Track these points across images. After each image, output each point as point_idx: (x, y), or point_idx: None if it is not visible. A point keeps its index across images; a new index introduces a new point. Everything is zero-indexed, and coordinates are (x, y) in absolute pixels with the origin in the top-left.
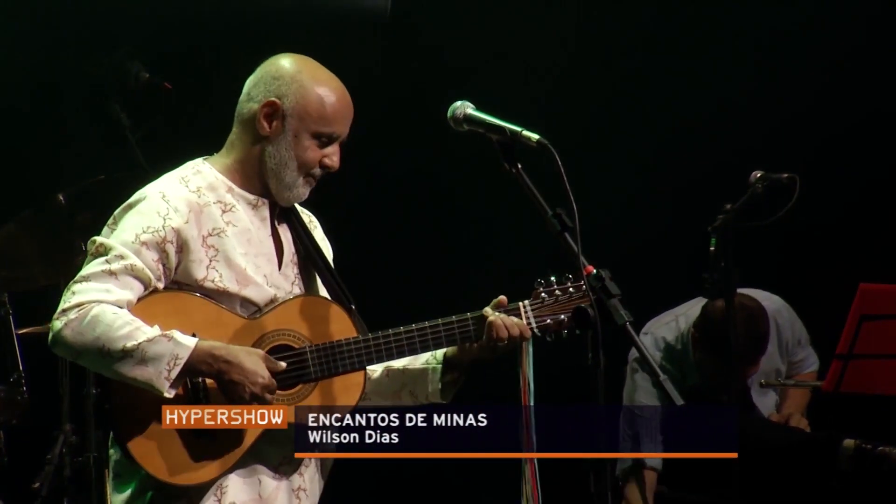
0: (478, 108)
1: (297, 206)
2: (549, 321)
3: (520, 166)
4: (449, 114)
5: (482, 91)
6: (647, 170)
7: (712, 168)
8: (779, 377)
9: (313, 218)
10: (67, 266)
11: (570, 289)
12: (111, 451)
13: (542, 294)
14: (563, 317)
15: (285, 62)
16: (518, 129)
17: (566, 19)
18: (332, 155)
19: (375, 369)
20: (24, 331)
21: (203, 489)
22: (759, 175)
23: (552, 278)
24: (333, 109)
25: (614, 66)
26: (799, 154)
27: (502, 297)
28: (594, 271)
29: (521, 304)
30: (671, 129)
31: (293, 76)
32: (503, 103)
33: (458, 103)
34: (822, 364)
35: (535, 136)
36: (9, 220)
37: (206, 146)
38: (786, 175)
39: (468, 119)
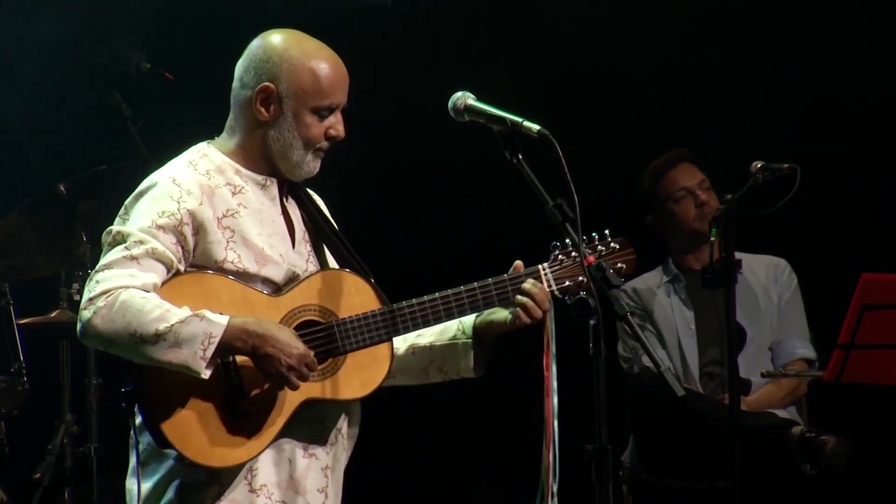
0: (478, 99)
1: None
2: (568, 283)
3: (520, 157)
4: (450, 104)
5: (484, 79)
6: (645, 158)
7: (713, 158)
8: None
9: (318, 197)
10: (68, 256)
11: (574, 253)
12: (139, 440)
13: (560, 256)
14: (581, 278)
15: (271, 42)
16: (519, 119)
17: (565, 10)
18: (336, 125)
19: (399, 347)
20: (25, 321)
21: (234, 472)
22: (759, 165)
23: (567, 241)
24: (329, 80)
25: (616, 56)
26: (801, 143)
27: (519, 262)
28: (595, 262)
29: (539, 266)
30: (672, 119)
31: (281, 55)
32: (505, 92)
33: (459, 94)
34: (823, 354)
35: (535, 127)
36: (10, 209)
37: (208, 134)
38: (787, 165)
39: (469, 109)
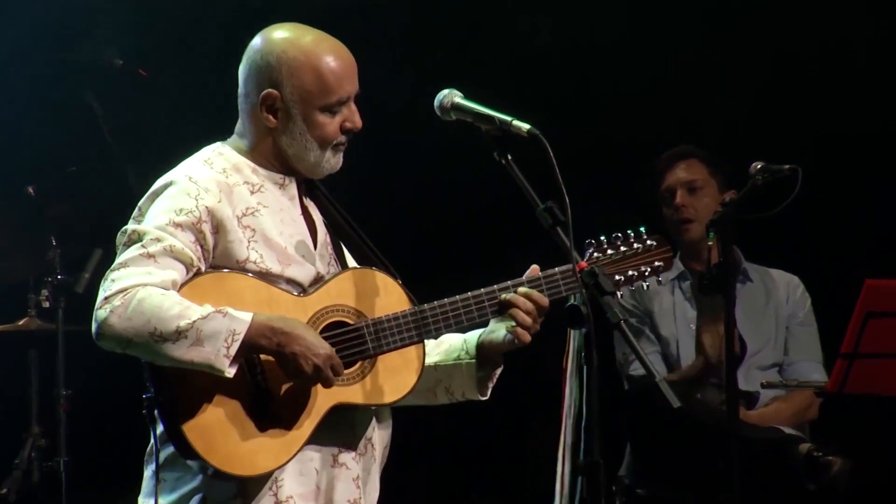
0: (466, 97)
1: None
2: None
3: (510, 157)
4: (436, 102)
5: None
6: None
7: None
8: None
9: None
10: (38, 261)
11: (623, 247)
12: (159, 450)
13: (596, 254)
14: (618, 277)
15: (267, 43)
16: (508, 118)
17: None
18: (351, 116)
19: None
20: None
21: (259, 484)
22: (759, 167)
23: (601, 237)
24: (334, 76)
25: (609, 57)
26: (802, 146)
27: (535, 266)
28: (587, 268)
29: (557, 270)
30: (669, 120)
31: (279, 57)
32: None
33: (446, 91)
34: (827, 364)
35: (525, 126)
36: None
37: (187, 135)
38: (787, 166)
39: (456, 108)
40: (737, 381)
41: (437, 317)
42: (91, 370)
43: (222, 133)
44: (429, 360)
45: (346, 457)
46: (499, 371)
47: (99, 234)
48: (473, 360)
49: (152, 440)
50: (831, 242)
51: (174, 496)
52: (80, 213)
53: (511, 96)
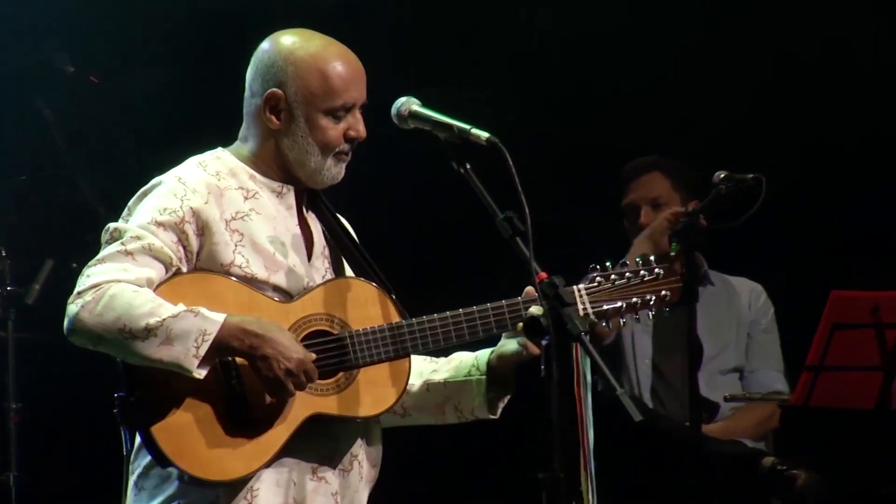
0: (424, 105)
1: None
2: (606, 307)
3: (468, 166)
4: (393, 110)
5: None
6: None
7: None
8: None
9: (344, 221)
10: None
11: (628, 274)
12: (135, 461)
13: (599, 278)
14: (621, 303)
15: (275, 44)
16: (467, 127)
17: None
18: (355, 124)
19: (413, 384)
20: None
21: (233, 493)
22: (722, 175)
23: (607, 263)
24: (340, 79)
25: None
26: (768, 154)
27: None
28: (547, 278)
29: (574, 288)
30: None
31: (286, 58)
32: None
33: (403, 99)
34: (791, 376)
35: (484, 135)
36: None
37: (142, 142)
38: (751, 175)
39: (413, 115)
40: (699, 387)
41: (426, 332)
42: (42, 382)
43: (179, 141)
44: (438, 377)
45: (327, 471)
46: (510, 393)
47: (50, 245)
48: (484, 377)
49: (124, 440)
50: (800, 252)
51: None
52: (29, 224)
53: (510, 96)
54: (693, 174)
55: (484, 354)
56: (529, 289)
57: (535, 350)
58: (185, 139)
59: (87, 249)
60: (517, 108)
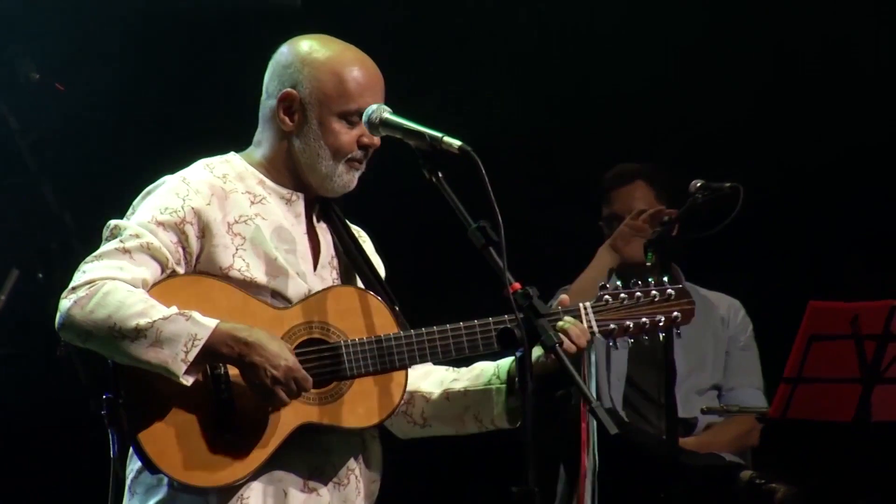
0: (395, 112)
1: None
2: (612, 325)
3: (440, 175)
4: (364, 118)
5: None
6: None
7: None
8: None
9: (363, 233)
10: None
11: (638, 294)
12: (127, 466)
13: (606, 297)
14: (629, 323)
15: (293, 46)
16: (439, 134)
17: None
18: (369, 132)
19: (433, 392)
20: None
21: (224, 499)
22: (699, 184)
23: (606, 284)
24: (356, 83)
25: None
26: (745, 163)
27: (564, 297)
28: (521, 289)
29: (581, 305)
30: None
31: (303, 59)
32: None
33: (374, 106)
34: (768, 388)
35: (456, 143)
36: None
37: (111, 152)
38: (728, 184)
39: (385, 123)
40: (675, 403)
41: (424, 344)
42: (10, 392)
43: (146, 147)
44: (458, 386)
45: (319, 483)
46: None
47: (15, 255)
48: (504, 385)
49: (110, 440)
50: (774, 262)
51: None
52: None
53: (510, 94)
54: (677, 183)
55: (505, 363)
56: (564, 298)
57: (563, 356)
58: (153, 142)
59: (53, 259)
60: (517, 108)
